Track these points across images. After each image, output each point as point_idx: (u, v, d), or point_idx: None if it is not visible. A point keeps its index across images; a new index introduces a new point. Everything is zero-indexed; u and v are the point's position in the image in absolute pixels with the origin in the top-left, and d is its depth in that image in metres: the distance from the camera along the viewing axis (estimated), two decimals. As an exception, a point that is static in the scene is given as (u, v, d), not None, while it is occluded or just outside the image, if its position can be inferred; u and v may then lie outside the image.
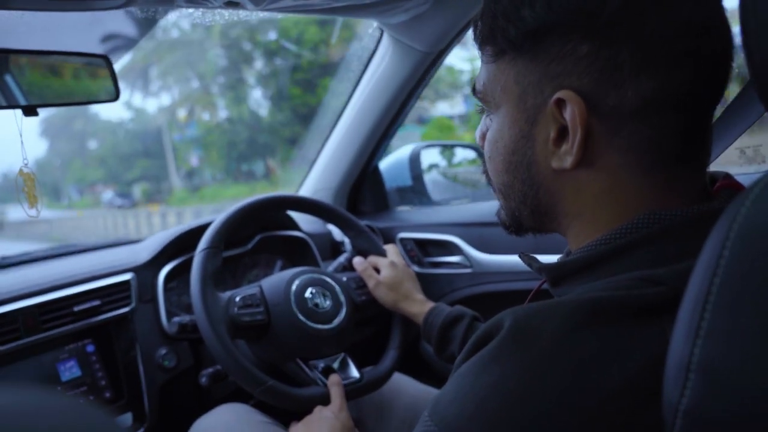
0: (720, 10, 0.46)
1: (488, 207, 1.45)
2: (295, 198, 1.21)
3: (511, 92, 0.51)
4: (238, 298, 1.02)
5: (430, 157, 1.86)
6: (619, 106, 0.45)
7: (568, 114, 0.47)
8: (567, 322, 0.42)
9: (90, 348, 1.12)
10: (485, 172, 0.60)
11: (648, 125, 0.46)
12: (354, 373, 1.07)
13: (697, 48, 0.44)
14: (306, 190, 1.62)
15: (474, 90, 0.58)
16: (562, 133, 0.49)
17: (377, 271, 1.14)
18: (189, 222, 1.29)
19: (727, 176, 0.52)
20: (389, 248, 1.20)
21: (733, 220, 0.35)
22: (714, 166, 0.56)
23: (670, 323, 0.39)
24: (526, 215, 0.56)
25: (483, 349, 0.45)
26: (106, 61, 0.97)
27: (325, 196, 1.58)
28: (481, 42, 0.54)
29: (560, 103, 0.47)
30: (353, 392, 1.03)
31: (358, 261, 1.16)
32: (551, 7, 0.46)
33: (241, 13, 1.02)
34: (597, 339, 0.41)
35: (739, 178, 0.51)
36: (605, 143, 0.47)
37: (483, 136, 0.59)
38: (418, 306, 1.06)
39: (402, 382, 1.18)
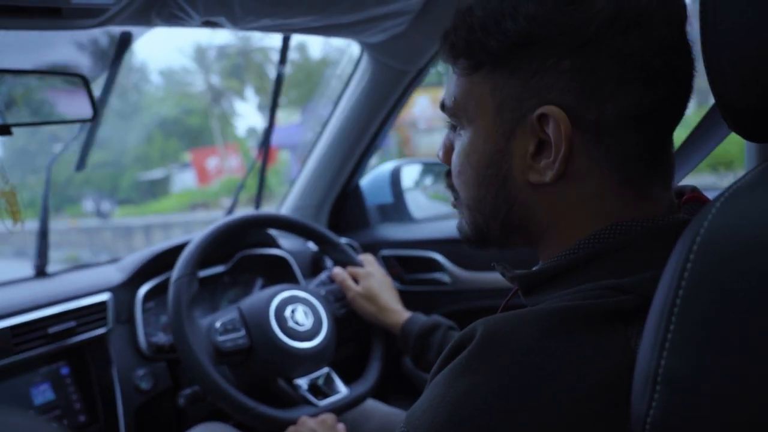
0: (684, 30, 0.48)
1: None
2: (266, 216, 1.21)
3: (487, 106, 0.51)
4: (218, 324, 1.01)
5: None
6: (599, 120, 0.46)
7: (551, 129, 0.47)
8: (536, 330, 0.43)
9: (65, 370, 1.09)
10: (449, 186, 0.59)
11: (624, 139, 0.47)
12: (341, 387, 1.07)
13: (669, 66, 0.46)
14: (287, 208, 1.62)
15: (443, 106, 0.56)
16: (540, 148, 0.49)
17: (356, 281, 1.14)
18: (168, 240, 1.27)
19: (695, 189, 0.53)
20: (365, 258, 1.20)
21: (696, 234, 0.35)
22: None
23: (635, 331, 0.40)
24: (496, 229, 0.55)
25: (456, 358, 0.46)
26: (83, 80, 0.96)
27: (306, 214, 1.58)
28: (455, 56, 0.52)
29: (542, 118, 0.47)
30: (343, 407, 1.02)
31: (336, 271, 1.16)
32: (536, 20, 0.46)
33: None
34: (565, 347, 0.42)
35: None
36: (585, 157, 0.48)
37: (448, 151, 0.58)
38: (396, 316, 1.07)
39: (371, 406, 1.17)
